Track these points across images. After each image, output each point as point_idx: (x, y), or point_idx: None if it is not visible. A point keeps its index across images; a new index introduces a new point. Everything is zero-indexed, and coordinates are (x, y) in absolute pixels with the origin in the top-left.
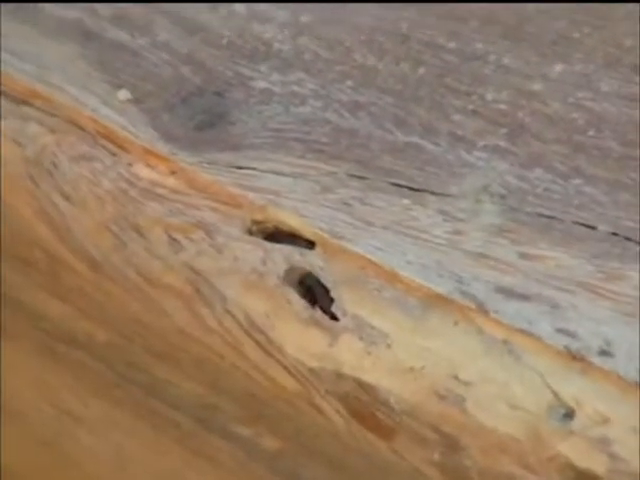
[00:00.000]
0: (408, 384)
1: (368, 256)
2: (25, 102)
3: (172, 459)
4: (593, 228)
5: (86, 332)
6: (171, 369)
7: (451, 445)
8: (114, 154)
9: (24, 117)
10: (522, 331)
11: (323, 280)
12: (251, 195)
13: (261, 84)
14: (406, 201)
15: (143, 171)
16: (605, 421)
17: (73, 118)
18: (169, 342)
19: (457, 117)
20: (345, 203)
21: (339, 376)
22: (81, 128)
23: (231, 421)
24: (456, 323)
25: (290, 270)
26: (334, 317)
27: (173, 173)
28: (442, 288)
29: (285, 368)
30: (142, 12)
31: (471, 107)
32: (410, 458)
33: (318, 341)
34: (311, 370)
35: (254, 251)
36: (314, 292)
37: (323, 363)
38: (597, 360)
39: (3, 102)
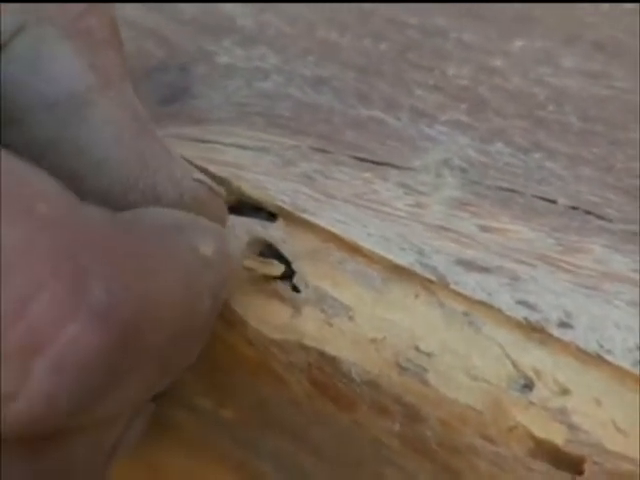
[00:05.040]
0: (370, 355)
1: (330, 229)
2: None
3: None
4: (553, 202)
5: None
6: None
7: (412, 416)
8: None
9: None
10: (482, 303)
11: (285, 252)
12: (214, 168)
13: (224, 59)
14: (368, 174)
15: None
16: (564, 392)
17: None
18: None
19: (419, 92)
20: (307, 176)
21: (301, 347)
22: None
23: (192, 392)
24: (417, 295)
25: (252, 242)
26: (296, 289)
27: None
28: (403, 260)
29: (247, 340)
30: None
31: (433, 82)
32: (371, 429)
33: (280, 313)
34: (273, 341)
35: None
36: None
37: (285, 335)
38: (557, 332)
39: None
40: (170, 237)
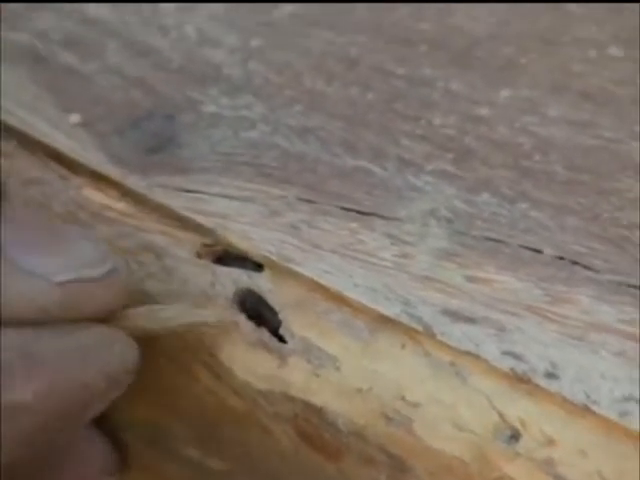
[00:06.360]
0: (356, 406)
1: (316, 279)
2: None
3: None
4: (539, 252)
5: None
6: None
7: (398, 466)
8: (64, 178)
9: None
10: (469, 353)
11: (271, 302)
12: (200, 218)
13: (211, 108)
14: (354, 225)
15: (93, 194)
16: (551, 443)
17: (24, 142)
18: None
19: (405, 142)
20: (293, 227)
21: (287, 398)
22: (32, 152)
23: (180, 443)
24: (403, 346)
25: (239, 293)
26: (282, 340)
27: (123, 196)
28: (389, 311)
29: (234, 390)
30: (93, 36)
31: (419, 132)
32: (358, 479)
33: (266, 363)
34: (259, 392)
35: (203, 274)
36: (262, 315)
37: (271, 385)
38: (543, 382)
39: None
40: None
